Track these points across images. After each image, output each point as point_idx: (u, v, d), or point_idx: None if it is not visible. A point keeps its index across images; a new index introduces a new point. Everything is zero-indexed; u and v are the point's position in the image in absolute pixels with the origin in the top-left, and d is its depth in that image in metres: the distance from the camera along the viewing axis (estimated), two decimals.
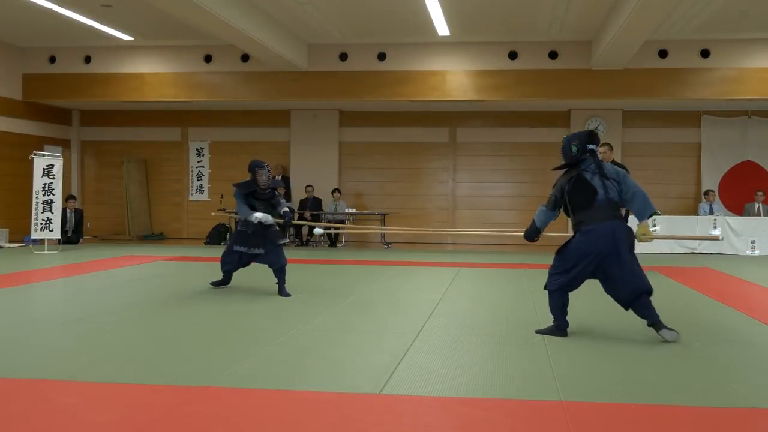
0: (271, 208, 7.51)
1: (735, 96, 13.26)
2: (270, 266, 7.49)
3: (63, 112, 16.21)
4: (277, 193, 7.67)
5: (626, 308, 5.22)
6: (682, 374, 4.24)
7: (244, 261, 7.62)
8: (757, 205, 13.70)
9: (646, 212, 5.18)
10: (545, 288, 5.35)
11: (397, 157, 15.73)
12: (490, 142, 15.62)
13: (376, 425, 3.27)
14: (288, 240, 7.58)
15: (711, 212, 13.66)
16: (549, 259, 5.45)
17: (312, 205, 14.81)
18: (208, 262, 10.87)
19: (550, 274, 5.33)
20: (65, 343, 5.01)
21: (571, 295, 5.31)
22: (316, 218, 14.71)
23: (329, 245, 14.55)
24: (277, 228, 7.55)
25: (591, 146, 5.24)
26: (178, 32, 13.08)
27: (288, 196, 15.22)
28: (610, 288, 5.23)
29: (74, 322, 5.78)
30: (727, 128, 14.96)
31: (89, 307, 6.64)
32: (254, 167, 7.48)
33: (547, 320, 5.63)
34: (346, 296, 7.29)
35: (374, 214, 14.80)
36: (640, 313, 5.18)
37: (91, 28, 12.74)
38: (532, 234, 5.49)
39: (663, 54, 13.19)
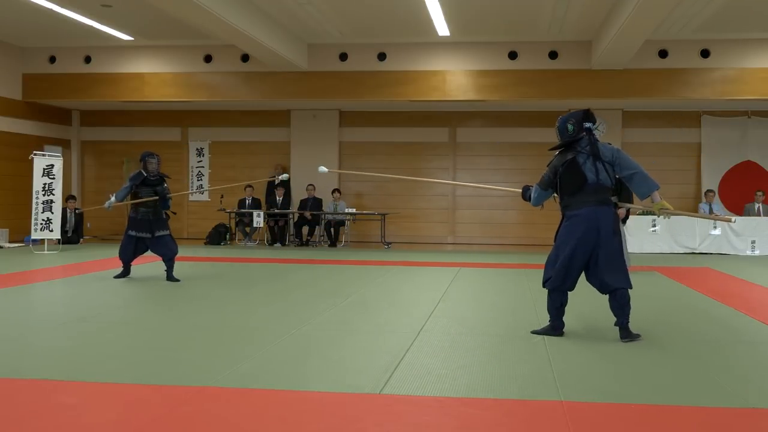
0: (155, 194, 8.44)
1: (735, 96, 13.26)
2: (161, 256, 8.38)
3: (63, 112, 16.21)
4: (165, 182, 8.57)
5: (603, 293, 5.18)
6: (682, 374, 4.24)
7: (139, 248, 8.45)
8: (757, 205, 13.70)
9: (649, 189, 5.03)
10: (543, 285, 5.30)
11: (397, 157, 15.72)
12: (490, 142, 15.62)
13: (376, 425, 3.26)
14: (169, 231, 8.67)
15: (711, 212, 13.66)
16: None
17: (312, 205, 14.80)
18: (208, 262, 10.88)
19: (545, 268, 5.28)
20: (65, 343, 5.00)
21: (572, 294, 5.30)
22: (316, 218, 14.72)
23: (329, 245, 14.54)
24: (165, 216, 8.56)
25: (587, 124, 5.11)
26: (178, 32, 13.08)
27: (288, 196, 15.23)
28: (589, 275, 5.17)
29: (74, 322, 5.78)
30: (727, 128, 14.96)
31: (89, 307, 6.64)
32: (145, 156, 8.54)
33: (546, 320, 5.63)
34: (346, 296, 7.29)
35: (374, 214, 14.80)
36: (611, 308, 5.14)
37: (91, 28, 12.74)
38: (525, 198, 5.52)
39: (663, 54, 13.18)
